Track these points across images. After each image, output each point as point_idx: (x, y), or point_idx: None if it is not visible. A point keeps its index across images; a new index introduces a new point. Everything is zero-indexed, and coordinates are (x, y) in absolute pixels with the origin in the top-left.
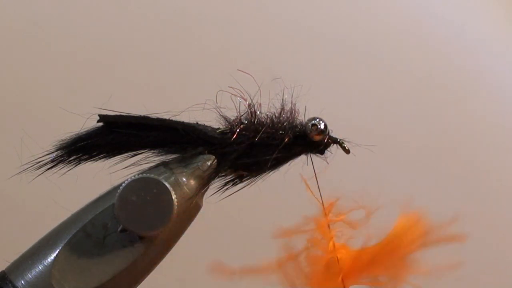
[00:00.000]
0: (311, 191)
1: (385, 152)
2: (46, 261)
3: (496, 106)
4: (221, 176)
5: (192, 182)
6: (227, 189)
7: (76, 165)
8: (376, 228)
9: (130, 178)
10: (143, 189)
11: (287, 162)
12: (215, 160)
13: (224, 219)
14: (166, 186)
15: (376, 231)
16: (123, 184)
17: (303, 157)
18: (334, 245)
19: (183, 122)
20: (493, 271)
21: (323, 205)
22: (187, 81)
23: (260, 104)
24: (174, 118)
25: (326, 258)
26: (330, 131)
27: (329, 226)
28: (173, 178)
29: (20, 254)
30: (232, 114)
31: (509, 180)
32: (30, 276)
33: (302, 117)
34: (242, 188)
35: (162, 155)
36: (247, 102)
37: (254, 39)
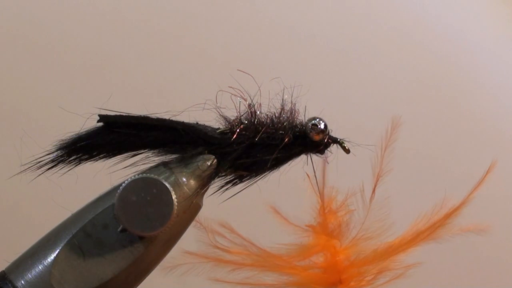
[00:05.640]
0: (315, 190)
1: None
2: (46, 261)
3: (496, 107)
4: (221, 176)
5: (192, 182)
6: (227, 189)
7: (76, 165)
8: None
9: (130, 178)
10: (143, 189)
11: (287, 162)
12: (215, 160)
13: (224, 218)
14: (166, 186)
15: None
16: (123, 184)
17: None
18: (334, 247)
19: (183, 122)
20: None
21: (323, 203)
22: (187, 81)
23: (260, 104)
24: (174, 118)
25: (325, 261)
26: (330, 131)
27: (329, 228)
28: (173, 178)
29: (20, 254)
30: (232, 114)
31: (509, 181)
32: (30, 276)
33: (302, 117)
34: (243, 188)
35: (162, 155)
36: (247, 102)
37: (254, 39)
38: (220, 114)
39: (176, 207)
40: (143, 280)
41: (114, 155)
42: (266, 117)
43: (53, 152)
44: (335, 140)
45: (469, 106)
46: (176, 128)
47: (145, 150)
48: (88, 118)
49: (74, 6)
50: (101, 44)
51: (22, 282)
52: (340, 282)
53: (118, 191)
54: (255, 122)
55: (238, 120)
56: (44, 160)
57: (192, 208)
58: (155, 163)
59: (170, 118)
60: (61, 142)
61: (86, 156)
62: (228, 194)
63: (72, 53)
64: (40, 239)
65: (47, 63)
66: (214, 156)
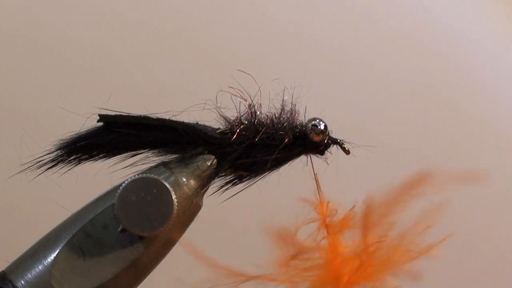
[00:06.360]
0: (319, 192)
1: (384, 153)
2: (46, 261)
3: (496, 106)
4: (221, 176)
5: (192, 182)
6: (227, 189)
7: (76, 165)
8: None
9: (130, 178)
10: (143, 189)
11: (287, 162)
12: (215, 160)
13: (224, 218)
14: (166, 186)
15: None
16: (123, 184)
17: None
18: (336, 248)
19: (183, 122)
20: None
21: (323, 206)
22: (187, 81)
23: (260, 105)
24: (174, 118)
25: (328, 262)
26: (330, 132)
27: (329, 229)
28: (173, 178)
29: (20, 254)
30: (232, 114)
31: (509, 181)
32: (30, 276)
33: (302, 117)
34: (243, 188)
35: (162, 155)
36: (247, 102)
37: (254, 39)
38: (220, 114)
39: (176, 207)
40: (143, 280)
41: (114, 155)
42: (266, 117)
43: (53, 152)
44: (335, 141)
45: (469, 106)
46: (176, 128)
47: (145, 150)
48: (88, 118)
49: (74, 6)
50: (101, 44)
51: (22, 282)
52: (341, 277)
53: (118, 191)
54: (255, 122)
55: (238, 120)
56: (44, 160)
57: (192, 208)
58: (155, 163)
59: (170, 118)
60: (61, 142)
61: (86, 156)
62: (228, 194)
63: (72, 53)
64: (40, 239)
65: (47, 63)
66: (214, 156)
